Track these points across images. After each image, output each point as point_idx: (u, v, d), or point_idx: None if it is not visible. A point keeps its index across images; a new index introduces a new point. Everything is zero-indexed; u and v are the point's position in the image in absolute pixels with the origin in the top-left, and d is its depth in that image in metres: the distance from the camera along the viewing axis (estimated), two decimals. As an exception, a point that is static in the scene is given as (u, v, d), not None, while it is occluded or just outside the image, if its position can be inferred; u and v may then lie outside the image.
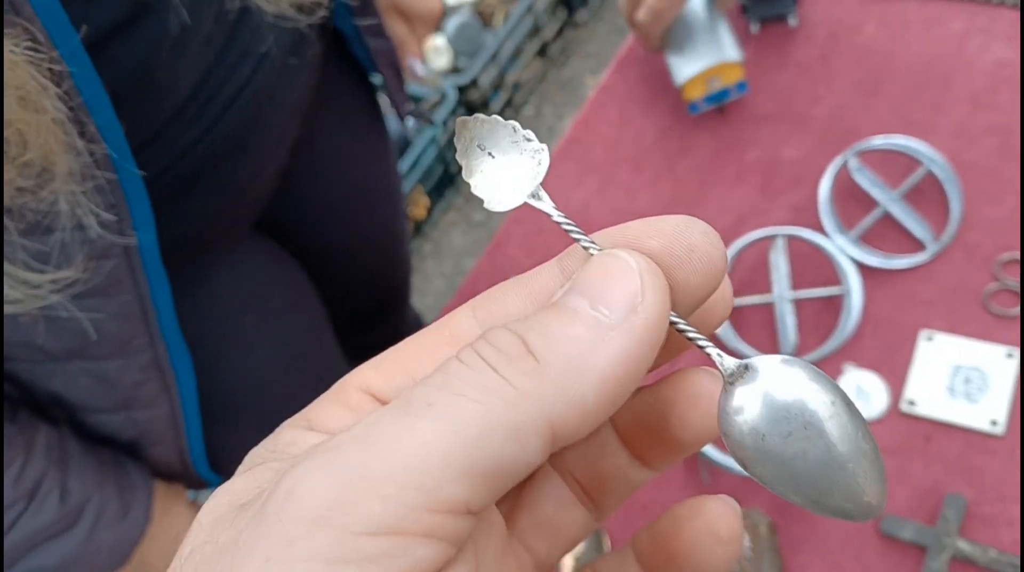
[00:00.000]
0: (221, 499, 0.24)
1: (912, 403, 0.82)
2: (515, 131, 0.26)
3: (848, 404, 0.23)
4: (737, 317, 0.91)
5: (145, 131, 0.63)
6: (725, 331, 0.90)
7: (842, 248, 0.89)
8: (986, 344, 0.82)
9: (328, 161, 0.96)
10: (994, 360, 0.81)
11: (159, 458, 0.82)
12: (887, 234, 0.91)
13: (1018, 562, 0.71)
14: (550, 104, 2.36)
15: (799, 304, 0.90)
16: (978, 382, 0.81)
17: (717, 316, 0.26)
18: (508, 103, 2.29)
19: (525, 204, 0.26)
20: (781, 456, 0.23)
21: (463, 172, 0.27)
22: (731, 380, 0.24)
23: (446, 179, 2.20)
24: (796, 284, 0.90)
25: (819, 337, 0.88)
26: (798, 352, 0.87)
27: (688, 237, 0.23)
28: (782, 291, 0.89)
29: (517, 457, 0.21)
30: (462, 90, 2.07)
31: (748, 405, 0.23)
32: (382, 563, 0.19)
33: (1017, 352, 0.81)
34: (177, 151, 0.68)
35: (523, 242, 1.04)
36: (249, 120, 0.72)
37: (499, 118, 0.26)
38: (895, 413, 0.82)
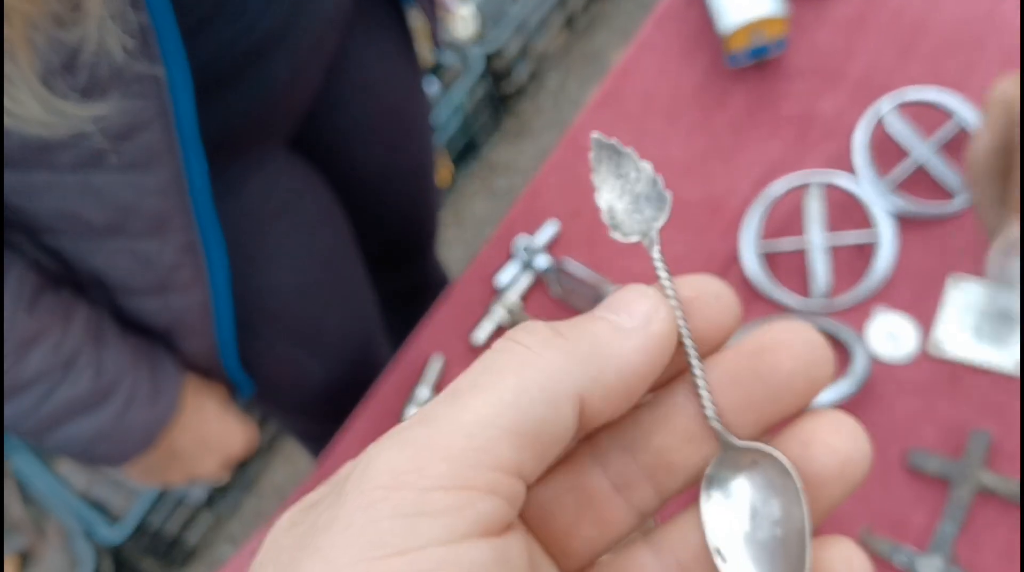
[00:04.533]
0: (291, 510, 0.26)
1: (940, 345, 0.84)
2: (644, 169, 0.29)
3: (794, 509, 0.25)
4: (771, 262, 0.93)
5: (190, 20, 0.65)
6: (758, 275, 0.92)
7: (875, 196, 0.91)
8: (1013, 288, 0.84)
9: (363, 86, 0.99)
10: (1019, 304, 0.83)
11: (192, 351, 0.85)
12: (919, 184, 0.93)
13: (1041, 492, 0.74)
14: (575, 77, 2.38)
15: (832, 250, 0.92)
16: (1005, 325, 0.83)
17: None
18: (533, 75, 2.30)
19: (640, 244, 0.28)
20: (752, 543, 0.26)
21: (596, 192, 0.29)
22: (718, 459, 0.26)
23: (469, 148, 2.22)
24: (830, 229, 0.92)
25: (850, 282, 0.90)
26: (830, 295, 0.89)
27: (714, 285, 0.27)
28: (815, 236, 0.91)
29: (555, 422, 0.24)
30: (488, 59, 2.08)
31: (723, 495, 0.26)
32: (453, 515, 0.22)
33: (1045, 298, 0.83)
34: (219, 44, 0.71)
35: (542, 211, 1.06)
36: (289, 17, 0.75)
37: (634, 153, 0.29)
38: (923, 355, 0.84)
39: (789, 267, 0.93)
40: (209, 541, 1.91)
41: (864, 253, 0.91)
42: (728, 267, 0.95)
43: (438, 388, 0.97)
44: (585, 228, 1.03)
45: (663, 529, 0.28)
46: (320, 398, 1.08)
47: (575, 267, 0.98)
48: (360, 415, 0.98)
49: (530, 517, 0.27)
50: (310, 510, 0.25)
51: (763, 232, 0.94)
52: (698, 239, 0.98)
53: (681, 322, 0.26)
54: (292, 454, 1.98)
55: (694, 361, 0.26)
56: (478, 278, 1.03)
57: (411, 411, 0.94)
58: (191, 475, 0.94)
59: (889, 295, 0.89)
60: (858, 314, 0.88)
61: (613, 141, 0.29)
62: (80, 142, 0.61)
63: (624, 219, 0.28)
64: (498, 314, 0.97)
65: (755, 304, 0.92)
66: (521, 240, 1.02)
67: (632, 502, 0.27)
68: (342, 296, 1.04)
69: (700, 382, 0.26)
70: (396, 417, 0.96)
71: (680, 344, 0.26)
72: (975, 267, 0.87)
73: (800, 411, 0.26)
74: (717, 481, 0.26)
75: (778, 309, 0.91)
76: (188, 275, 0.77)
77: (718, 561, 0.26)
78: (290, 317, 0.97)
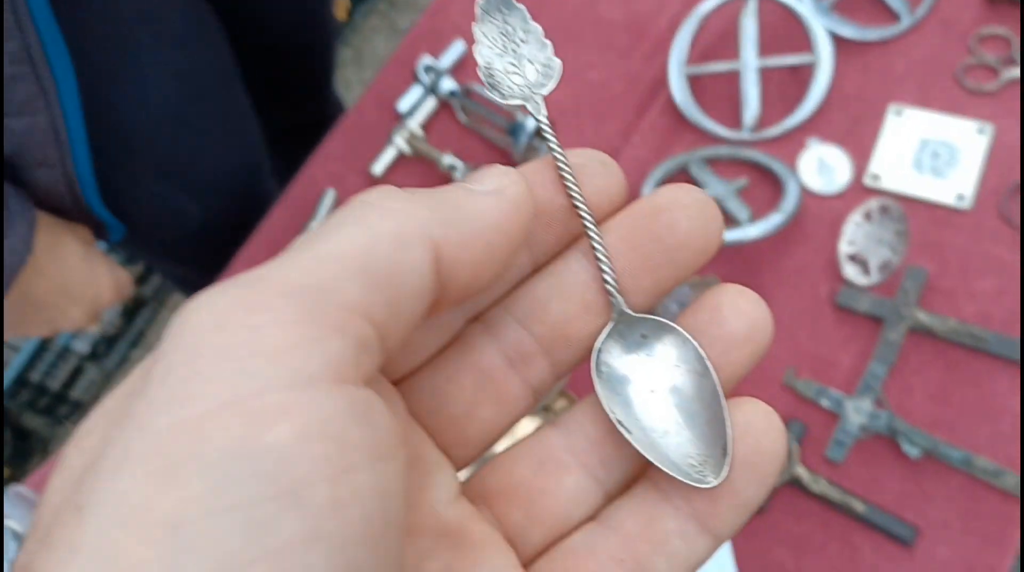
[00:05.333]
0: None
1: (876, 177, 0.78)
2: (534, 30, 0.27)
3: (701, 375, 0.25)
4: (699, 86, 0.85)
5: None
6: (687, 102, 0.84)
7: (815, 15, 0.83)
8: (957, 119, 0.78)
9: None
10: (965, 135, 0.78)
11: (45, 185, 0.73)
12: (862, 4, 0.85)
13: (978, 332, 0.70)
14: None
15: (765, 74, 0.83)
16: (946, 157, 0.77)
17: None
18: None
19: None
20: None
21: (475, 45, 0.27)
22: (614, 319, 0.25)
23: (370, -23, 2.04)
24: (764, 52, 0.84)
25: (784, 110, 0.83)
26: (761, 124, 0.82)
27: (599, 155, 0.26)
28: (749, 58, 0.83)
29: (405, 264, 0.21)
30: None
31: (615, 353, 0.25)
32: (294, 354, 0.18)
33: (988, 127, 0.77)
34: None
35: (437, 45, 0.94)
36: None
37: (526, 10, 0.27)
38: (858, 187, 0.78)
39: (720, 93, 0.85)
40: (98, 396, 1.81)
41: (799, 79, 0.83)
42: (655, 93, 0.86)
43: (332, 226, 0.87)
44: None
45: (571, 411, 0.26)
46: (199, 241, 0.97)
47: (485, 92, 0.88)
48: (244, 257, 0.88)
49: (422, 406, 0.25)
50: (128, 382, 0.20)
51: (693, 55, 0.85)
52: (622, 62, 0.89)
53: (573, 186, 0.25)
54: (181, 305, 1.87)
55: (589, 223, 0.25)
56: (377, 104, 0.92)
57: (302, 252, 0.85)
58: (55, 326, 0.83)
59: (823, 126, 0.82)
60: (791, 145, 0.81)
61: None
62: None
63: (502, 80, 0.26)
64: (399, 143, 0.87)
65: (684, 133, 0.84)
66: (425, 62, 0.90)
67: (527, 378, 0.26)
68: (220, 125, 0.92)
69: (598, 246, 0.25)
70: (285, 259, 0.86)
71: (574, 209, 0.25)
72: (917, 96, 0.81)
73: (692, 274, 0.25)
74: (611, 353, 0.25)
75: (707, 138, 0.83)
76: (28, 91, 0.65)
77: (623, 432, 0.24)
78: (158, 145, 0.85)
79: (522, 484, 0.25)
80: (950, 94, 0.80)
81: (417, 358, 0.25)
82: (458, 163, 0.84)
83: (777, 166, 0.79)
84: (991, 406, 0.69)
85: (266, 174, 1.04)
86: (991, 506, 0.67)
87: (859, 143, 0.80)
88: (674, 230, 0.25)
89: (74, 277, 0.81)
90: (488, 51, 0.26)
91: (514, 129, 0.83)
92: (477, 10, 0.27)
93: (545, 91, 0.26)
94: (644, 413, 0.25)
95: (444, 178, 0.86)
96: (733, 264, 0.78)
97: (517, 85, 0.26)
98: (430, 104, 0.88)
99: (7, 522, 0.71)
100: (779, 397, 0.73)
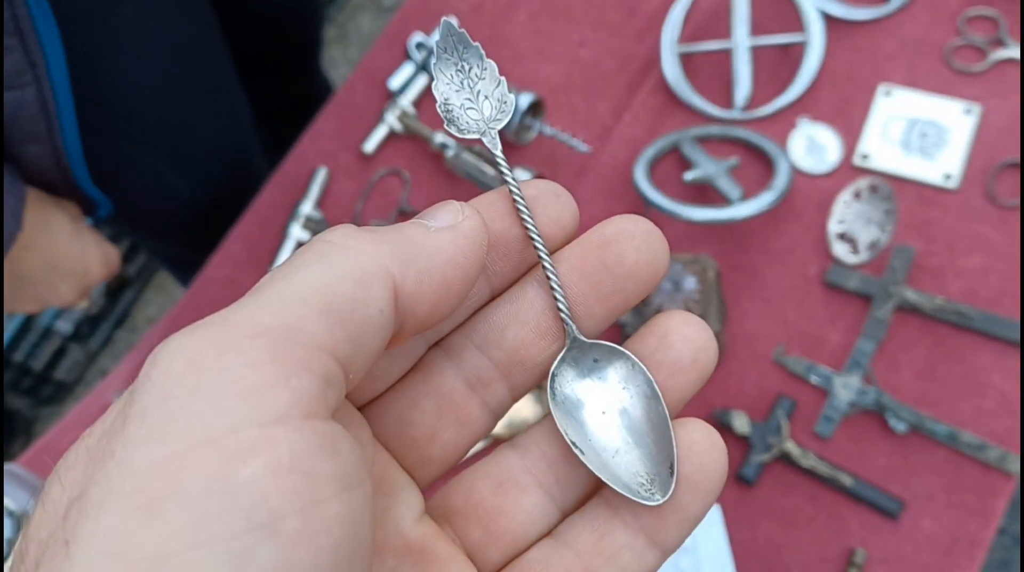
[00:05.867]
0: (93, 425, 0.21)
1: (865, 157, 0.79)
2: (490, 67, 0.28)
3: (649, 398, 0.26)
4: (691, 65, 0.85)
5: None
6: (679, 81, 0.84)
7: (806, -5, 0.83)
8: (945, 99, 0.79)
9: None
10: (952, 115, 0.79)
11: (34, 160, 0.73)
12: (853, -17, 0.85)
13: (964, 310, 0.71)
14: None
15: (757, 53, 0.84)
16: (934, 137, 0.78)
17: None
18: None
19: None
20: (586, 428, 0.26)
21: (433, 83, 0.27)
22: (567, 344, 0.26)
23: (355, -46, 2.02)
24: (756, 31, 0.84)
25: (775, 89, 0.83)
26: (752, 103, 0.83)
27: (553, 186, 0.27)
28: (741, 37, 0.83)
29: (366, 301, 0.22)
30: None
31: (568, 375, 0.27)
32: (265, 393, 0.19)
33: (976, 108, 0.78)
34: None
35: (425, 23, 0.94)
36: None
37: (481, 48, 0.28)
38: (847, 166, 0.79)
39: (711, 72, 0.85)
40: (81, 377, 1.80)
41: (790, 59, 0.84)
42: (646, 71, 0.87)
43: (322, 204, 0.87)
44: (487, 25, 0.92)
45: (527, 431, 0.27)
46: (188, 218, 0.96)
47: (468, 35, 0.88)
48: (235, 236, 0.87)
49: (387, 429, 0.26)
50: (106, 419, 0.21)
51: (685, 34, 0.85)
52: (614, 40, 0.89)
53: (527, 218, 0.26)
54: (166, 285, 1.86)
55: (543, 254, 0.26)
56: (368, 81, 0.91)
57: (294, 229, 0.84)
58: (44, 302, 0.83)
59: (813, 105, 0.82)
60: (781, 125, 0.82)
61: (462, 31, 0.28)
62: None
63: (460, 115, 0.27)
64: (390, 121, 0.87)
65: (675, 111, 0.84)
66: (416, 38, 0.90)
67: (487, 401, 0.27)
68: (209, 101, 0.91)
69: (551, 276, 0.26)
70: (277, 237, 0.86)
71: (528, 240, 0.26)
72: (906, 76, 0.81)
73: (640, 301, 0.27)
74: (564, 377, 0.27)
75: (699, 117, 0.84)
76: (17, 63, 0.64)
77: (577, 453, 0.25)
78: (146, 121, 0.84)
79: (482, 503, 0.26)
80: (938, 74, 0.81)
81: (382, 384, 0.27)
82: (450, 142, 0.84)
83: (768, 145, 0.79)
84: (975, 382, 0.70)
85: (255, 151, 1.04)
86: (974, 479, 0.68)
87: (849, 123, 0.81)
88: (622, 261, 0.26)
89: (63, 252, 0.80)
90: (446, 87, 0.27)
91: (506, 107, 0.83)
92: (435, 48, 0.28)
93: (500, 126, 0.28)
94: (596, 434, 0.26)
95: (436, 156, 0.86)
96: (724, 242, 0.78)
97: (474, 120, 0.27)
98: (421, 82, 0.88)
99: None
100: (769, 374, 0.74)
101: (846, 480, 0.68)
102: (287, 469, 0.18)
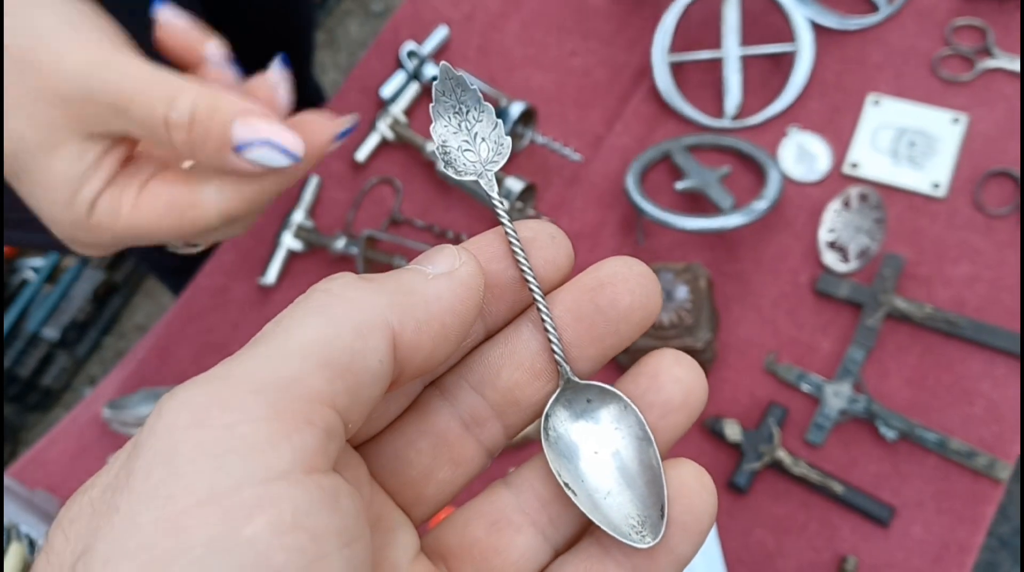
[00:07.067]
0: (93, 476, 0.22)
1: (855, 165, 0.80)
2: (487, 110, 0.28)
3: (641, 440, 0.26)
4: (682, 74, 0.86)
5: None
6: (670, 90, 0.84)
7: (796, 4, 0.84)
8: (933, 109, 0.80)
9: None
10: (940, 124, 0.79)
11: None
12: (842, -7, 0.86)
13: (953, 318, 0.71)
14: None
15: (747, 63, 0.84)
16: (923, 146, 0.79)
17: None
18: None
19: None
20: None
21: (432, 124, 0.28)
22: (561, 385, 0.27)
23: (343, -41, 2.02)
24: (746, 41, 0.85)
25: (765, 99, 0.84)
26: (743, 112, 0.83)
27: (549, 227, 0.28)
28: (731, 47, 0.83)
29: (365, 353, 0.22)
30: None
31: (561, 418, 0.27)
32: (267, 450, 0.19)
33: (963, 117, 0.79)
34: None
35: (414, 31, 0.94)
36: None
37: (479, 91, 0.28)
38: (837, 175, 0.80)
39: (702, 82, 0.86)
40: (69, 384, 1.79)
41: (780, 68, 0.85)
42: (638, 81, 0.87)
43: (313, 212, 0.87)
44: (478, 34, 0.92)
45: (521, 471, 0.28)
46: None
47: (467, 78, 0.88)
48: (226, 245, 0.87)
49: (383, 468, 0.27)
50: (109, 471, 0.21)
51: (676, 43, 0.86)
52: (605, 49, 0.89)
53: (523, 259, 0.27)
54: (155, 291, 1.85)
55: (538, 296, 0.26)
56: (359, 89, 0.91)
57: (286, 238, 0.84)
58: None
59: (803, 115, 0.83)
60: (771, 134, 0.82)
61: (461, 73, 0.28)
62: None
63: (457, 157, 0.28)
64: (382, 130, 0.87)
65: (667, 120, 0.85)
66: (408, 47, 0.90)
67: (481, 440, 0.27)
68: None
69: (546, 318, 0.26)
70: (269, 245, 0.86)
71: (523, 281, 0.27)
72: (894, 86, 0.82)
73: (633, 341, 0.27)
74: (558, 417, 0.27)
75: (690, 126, 0.84)
76: None
77: (569, 494, 0.26)
78: None
79: (476, 543, 0.27)
80: (926, 84, 0.82)
81: (379, 424, 0.27)
82: (442, 149, 0.84)
83: (759, 154, 0.80)
84: (964, 390, 0.71)
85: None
86: (964, 486, 0.68)
87: (838, 132, 0.82)
88: (616, 304, 0.26)
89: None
90: (444, 129, 0.28)
91: (497, 113, 0.83)
92: (433, 91, 0.28)
93: (497, 167, 0.28)
94: (589, 475, 0.26)
95: (428, 165, 0.86)
96: (716, 251, 0.79)
97: (471, 162, 0.28)
98: (413, 90, 0.88)
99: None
100: (760, 382, 0.74)
101: (837, 487, 0.69)
102: (290, 526, 0.19)
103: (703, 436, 0.73)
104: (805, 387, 0.73)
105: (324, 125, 0.41)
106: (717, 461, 0.72)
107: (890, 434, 0.69)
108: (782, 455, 0.70)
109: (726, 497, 0.71)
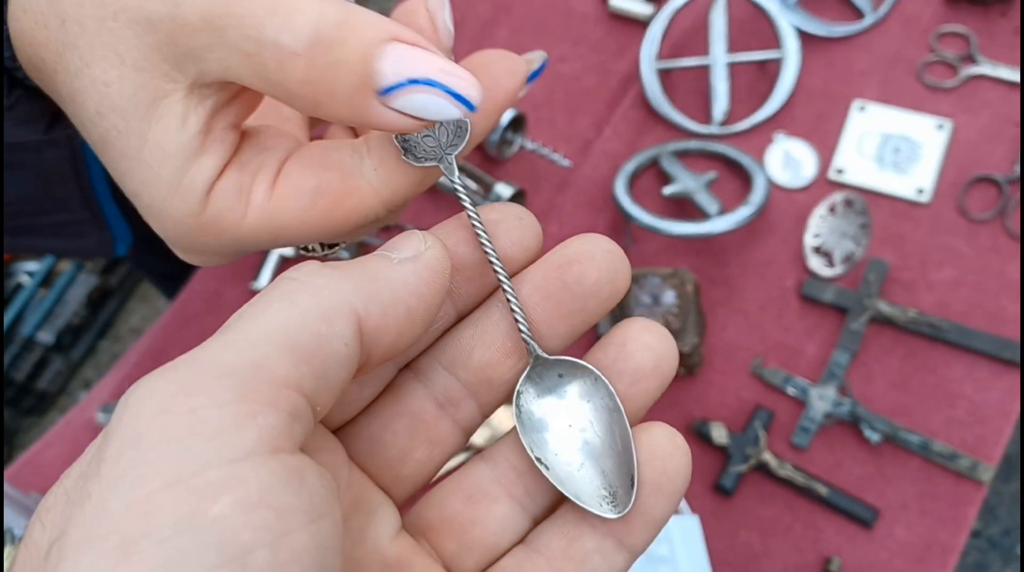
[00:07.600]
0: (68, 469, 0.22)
1: (840, 171, 0.81)
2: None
3: (612, 410, 0.27)
4: (670, 80, 0.87)
5: None
6: (658, 96, 0.85)
7: (782, 12, 0.85)
8: (918, 115, 0.81)
9: None
10: (925, 131, 0.80)
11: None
12: (827, 1, 0.87)
13: (936, 322, 0.72)
14: None
15: (734, 69, 0.85)
16: (907, 152, 0.80)
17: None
18: None
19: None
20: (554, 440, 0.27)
21: None
22: (531, 363, 0.27)
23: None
24: (733, 48, 0.86)
25: (752, 105, 0.85)
26: (729, 119, 0.84)
27: (516, 209, 0.28)
28: (718, 53, 0.84)
29: (331, 337, 0.22)
30: None
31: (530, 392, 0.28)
32: (232, 433, 0.20)
33: (947, 123, 0.80)
34: None
35: None
36: None
37: None
38: (822, 181, 0.81)
39: (690, 88, 0.87)
40: (64, 387, 1.79)
41: (767, 75, 0.86)
42: (626, 87, 0.88)
43: (307, 218, 0.88)
44: (468, 40, 0.93)
45: (497, 444, 0.28)
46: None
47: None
48: (220, 248, 0.88)
49: (361, 451, 0.27)
50: (83, 461, 0.22)
51: (664, 50, 0.87)
52: (594, 56, 0.90)
53: (486, 242, 0.27)
54: (150, 295, 1.85)
55: (502, 277, 0.27)
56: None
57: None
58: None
59: (789, 119, 0.84)
60: (758, 140, 0.83)
61: None
62: None
63: (417, 143, 0.27)
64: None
65: (655, 126, 0.86)
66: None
67: (457, 420, 0.28)
68: None
69: (511, 298, 0.27)
70: (261, 251, 0.87)
71: (490, 263, 0.27)
72: (879, 92, 0.83)
73: (601, 317, 0.28)
74: (529, 394, 0.27)
75: (678, 132, 0.85)
76: None
77: (541, 468, 0.26)
78: None
79: (455, 516, 0.27)
80: (911, 90, 0.83)
81: (354, 408, 0.27)
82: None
83: (745, 160, 0.81)
84: (947, 393, 0.72)
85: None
86: (947, 488, 0.69)
87: (824, 138, 0.83)
88: (583, 281, 0.27)
89: None
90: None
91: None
92: None
93: (456, 152, 0.28)
94: (561, 448, 0.27)
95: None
96: (702, 256, 0.80)
97: (431, 147, 0.28)
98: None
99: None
100: (747, 385, 0.75)
101: (822, 489, 0.70)
102: (255, 504, 0.19)
103: (690, 439, 0.74)
104: (791, 390, 0.74)
105: (510, 61, 0.30)
106: (704, 464, 0.73)
107: (874, 437, 0.70)
108: (768, 458, 0.71)
109: (712, 499, 0.72)
